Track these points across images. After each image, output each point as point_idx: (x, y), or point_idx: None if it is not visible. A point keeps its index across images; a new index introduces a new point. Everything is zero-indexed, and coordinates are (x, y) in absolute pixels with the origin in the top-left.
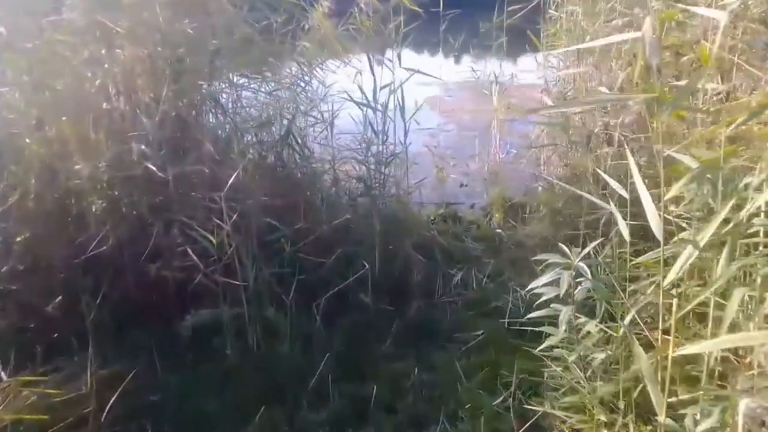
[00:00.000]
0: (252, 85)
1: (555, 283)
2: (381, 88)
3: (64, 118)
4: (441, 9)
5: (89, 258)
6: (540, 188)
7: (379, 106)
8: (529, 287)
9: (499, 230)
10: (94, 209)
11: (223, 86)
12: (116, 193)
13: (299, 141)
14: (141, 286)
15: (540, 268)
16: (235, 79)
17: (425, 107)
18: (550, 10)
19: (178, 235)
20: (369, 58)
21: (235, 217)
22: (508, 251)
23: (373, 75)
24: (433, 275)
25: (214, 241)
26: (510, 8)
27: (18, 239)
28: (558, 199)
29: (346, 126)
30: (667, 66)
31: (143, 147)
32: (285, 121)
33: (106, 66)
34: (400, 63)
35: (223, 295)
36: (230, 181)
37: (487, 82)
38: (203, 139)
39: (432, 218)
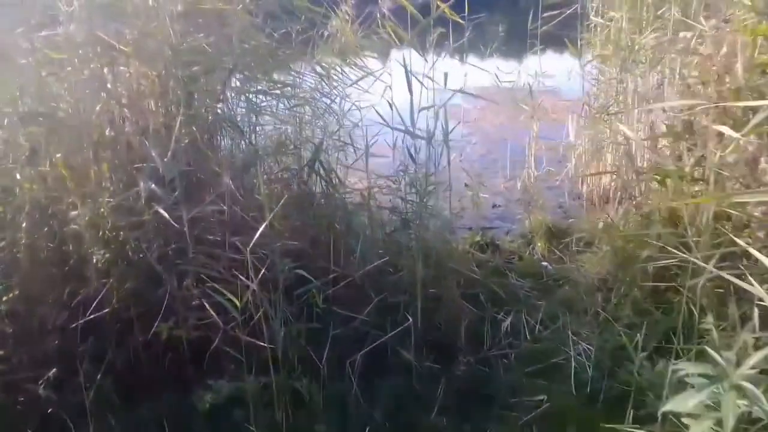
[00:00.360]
0: (271, 102)
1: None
2: (420, 110)
3: (59, 152)
4: (466, 13)
5: (90, 319)
6: (600, 223)
7: (419, 131)
8: (669, 407)
9: (544, 263)
10: (95, 260)
11: (241, 106)
12: (121, 240)
13: (326, 168)
14: (151, 350)
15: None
16: (252, 97)
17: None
18: (591, 17)
19: (193, 289)
20: (407, 73)
21: (263, 271)
22: (560, 291)
23: (411, 92)
24: (480, 322)
25: (238, 303)
26: (546, 14)
27: (5, 298)
28: (622, 237)
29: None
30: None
31: (152, 185)
32: (310, 144)
33: (109, 86)
34: (445, 83)
35: (247, 359)
36: (258, 231)
37: (516, 89)
38: (221, 170)
39: (468, 247)
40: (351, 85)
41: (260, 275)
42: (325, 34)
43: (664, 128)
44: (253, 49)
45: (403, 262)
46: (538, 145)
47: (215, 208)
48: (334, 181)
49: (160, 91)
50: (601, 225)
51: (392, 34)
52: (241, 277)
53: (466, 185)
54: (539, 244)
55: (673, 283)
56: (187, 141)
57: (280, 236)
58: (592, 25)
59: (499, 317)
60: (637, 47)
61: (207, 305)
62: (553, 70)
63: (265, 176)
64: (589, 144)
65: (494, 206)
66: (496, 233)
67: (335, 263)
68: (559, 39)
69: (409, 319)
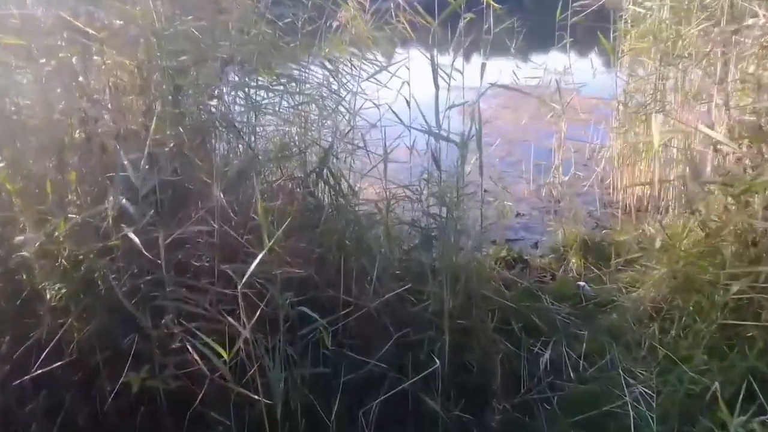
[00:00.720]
0: (273, 99)
1: None
2: (448, 108)
3: (9, 158)
4: (485, 3)
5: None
6: (658, 241)
7: (446, 132)
8: None
9: (581, 283)
10: (48, 296)
11: (239, 103)
12: (82, 271)
13: (336, 175)
14: (119, 406)
15: None
16: (252, 93)
17: (456, 115)
18: (629, 6)
19: (174, 327)
20: (433, 63)
21: (259, 311)
22: (603, 317)
23: (436, 86)
24: (514, 357)
25: (225, 354)
26: (576, 3)
27: None
28: (683, 259)
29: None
30: None
31: (123, 200)
32: (317, 148)
33: (80, 79)
34: (482, 75)
35: (239, 414)
36: (257, 259)
37: (541, 86)
38: (212, 180)
39: (494, 263)
40: (366, 79)
41: (256, 314)
42: (335, 24)
43: (724, 130)
44: (254, 37)
45: (428, 288)
46: (565, 147)
47: (202, 228)
48: (345, 191)
49: (141, 85)
50: (658, 243)
51: (407, 26)
52: (230, 319)
53: (485, 191)
54: (573, 260)
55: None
56: (172, 145)
57: (281, 261)
58: (627, 15)
59: (535, 350)
60: (681, 39)
61: (190, 348)
62: (583, 65)
63: (264, 184)
64: (623, 146)
65: (518, 215)
66: (523, 246)
67: (346, 291)
68: (591, 31)
69: (435, 360)
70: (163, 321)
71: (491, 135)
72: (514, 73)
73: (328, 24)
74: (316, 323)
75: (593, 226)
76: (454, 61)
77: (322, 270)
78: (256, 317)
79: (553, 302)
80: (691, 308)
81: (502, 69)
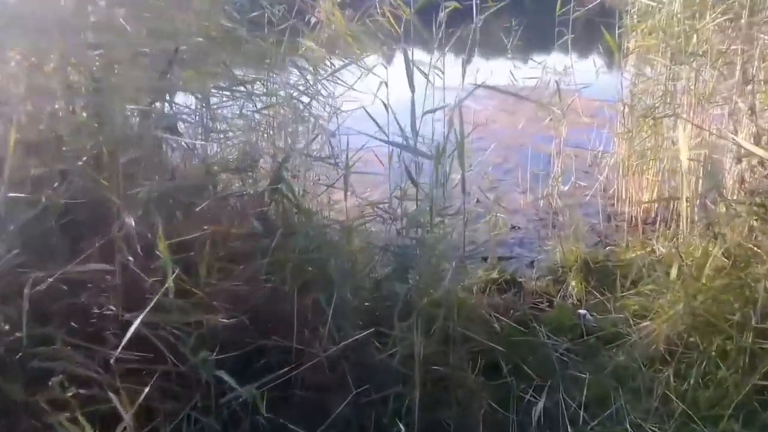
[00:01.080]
0: (235, 103)
1: None
2: (425, 114)
3: None
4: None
5: None
6: (674, 270)
7: (422, 141)
8: None
9: (582, 311)
10: None
11: (189, 106)
12: None
13: (296, 192)
14: None
15: None
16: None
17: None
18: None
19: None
20: (407, 61)
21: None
22: (607, 355)
23: (412, 88)
24: (502, 405)
25: None
26: None
27: None
28: (703, 293)
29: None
30: None
31: None
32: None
33: None
34: (463, 77)
35: None
36: (142, 314)
37: (539, 87)
38: (125, 208)
39: (483, 287)
40: (327, 77)
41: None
42: (312, 21)
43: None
44: (207, 31)
45: (398, 333)
46: (565, 153)
47: (95, 268)
48: (307, 209)
49: (46, 86)
50: (674, 272)
51: (392, 21)
52: (113, 396)
53: (478, 201)
54: (573, 284)
55: None
56: (87, 159)
57: (208, 304)
58: (634, 9)
59: (527, 398)
60: (696, 33)
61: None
62: (585, 64)
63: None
64: (628, 152)
65: (513, 228)
66: (518, 266)
67: (300, 335)
68: (594, 27)
69: (401, 424)
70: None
71: (486, 139)
72: (511, 73)
73: (306, 20)
74: (239, 390)
75: (596, 242)
76: (436, 59)
77: (272, 309)
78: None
79: (550, 335)
80: (713, 353)
81: (500, 69)
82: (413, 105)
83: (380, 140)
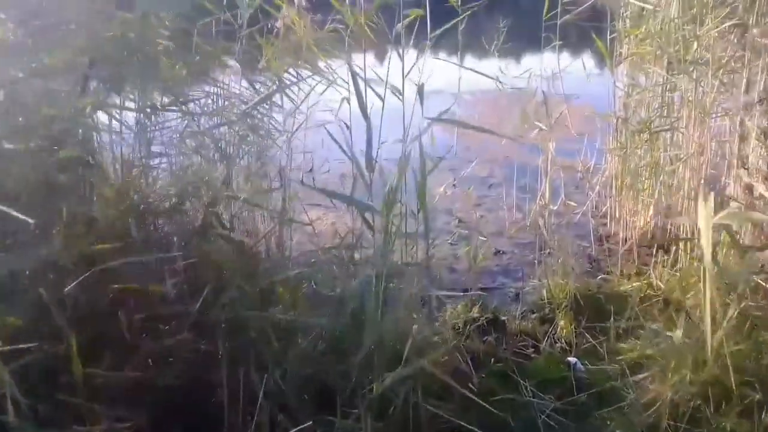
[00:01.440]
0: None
1: None
2: (381, 144)
3: None
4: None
5: None
6: (679, 332)
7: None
8: None
9: (572, 359)
10: None
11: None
12: None
13: (230, 228)
14: None
15: None
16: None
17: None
18: (630, 1)
19: None
20: (354, 77)
21: None
22: (601, 417)
23: (364, 114)
24: None
25: None
26: None
27: None
28: (715, 360)
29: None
30: None
31: None
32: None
33: None
34: (422, 104)
35: None
36: None
37: (526, 93)
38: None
39: (459, 327)
40: (269, 96)
41: None
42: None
43: None
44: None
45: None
46: (554, 166)
47: None
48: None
49: None
50: (679, 335)
51: (366, 28)
52: None
53: (460, 221)
54: (562, 324)
55: None
56: None
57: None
58: (627, 13)
59: None
60: (697, 40)
61: None
62: (575, 68)
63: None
64: (620, 168)
65: (497, 252)
66: (501, 299)
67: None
68: (584, 32)
69: None
70: None
71: (471, 150)
72: (499, 79)
73: (269, 26)
74: None
75: (587, 267)
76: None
77: (195, 398)
78: None
79: (535, 391)
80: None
81: (488, 70)
82: (369, 133)
83: (333, 196)
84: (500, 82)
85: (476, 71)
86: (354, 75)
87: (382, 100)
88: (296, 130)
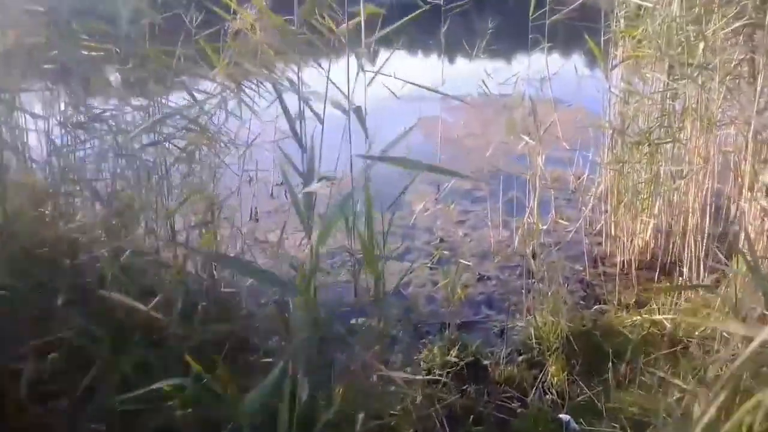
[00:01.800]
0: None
1: None
2: (319, 180)
3: None
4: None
5: None
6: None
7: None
8: None
9: (564, 417)
10: None
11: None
12: None
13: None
14: None
15: None
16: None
17: (416, 132)
18: None
19: None
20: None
21: None
22: None
23: (300, 144)
24: None
25: None
26: None
27: None
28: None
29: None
30: None
31: None
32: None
33: None
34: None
35: None
36: None
37: (512, 98)
38: None
39: (435, 374)
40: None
41: None
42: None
43: None
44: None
45: None
46: (543, 182)
47: None
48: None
49: None
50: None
51: (333, 28)
52: None
53: (441, 240)
54: (552, 370)
55: None
56: None
57: None
58: (622, 12)
59: None
60: (704, 40)
61: None
62: (566, 72)
63: None
64: (616, 183)
65: (481, 278)
66: (484, 336)
67: None
68: (576, 32)
69: None
70: None
71: (457, 159)
72: (485, 83)
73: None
74: None
75: (581, 295)
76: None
77: None
78: None
79: None
80: None
81: (474, 74)
82: (310, 163)
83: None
84: (487, 87)
85: (418, 84)
86: (279, 92)
87: (321, 123)
88: (251, 144)
